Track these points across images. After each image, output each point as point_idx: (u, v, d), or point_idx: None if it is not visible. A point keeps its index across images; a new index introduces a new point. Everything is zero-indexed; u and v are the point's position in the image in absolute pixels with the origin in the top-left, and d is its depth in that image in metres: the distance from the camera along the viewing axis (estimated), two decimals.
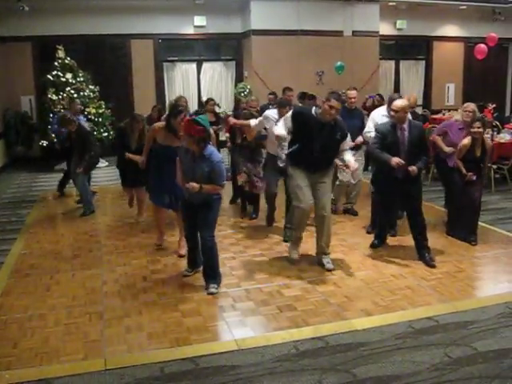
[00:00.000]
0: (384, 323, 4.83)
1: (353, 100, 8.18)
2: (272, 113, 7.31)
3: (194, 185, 5.24)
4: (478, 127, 6.83)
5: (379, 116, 7.29)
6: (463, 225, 7.06)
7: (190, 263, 6.00)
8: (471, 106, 7.33)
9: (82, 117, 9.38)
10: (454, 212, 7.24)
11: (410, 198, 6.41)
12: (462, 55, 18.24)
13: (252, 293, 5.53)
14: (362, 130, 7.68)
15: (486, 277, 6.06)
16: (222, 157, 5.95)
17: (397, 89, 17.46)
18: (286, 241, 7.08)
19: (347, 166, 6.24)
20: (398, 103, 6.21)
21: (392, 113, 6.27)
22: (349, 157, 6.18)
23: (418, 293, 5.49)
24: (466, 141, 6.92)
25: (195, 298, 5.39)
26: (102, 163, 13.01)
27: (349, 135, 6.38)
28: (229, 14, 15.29)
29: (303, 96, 8.97)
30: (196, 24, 15.22)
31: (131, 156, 7.38)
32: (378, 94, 12.21)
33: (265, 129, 7.45)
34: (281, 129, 6.17)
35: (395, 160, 6.07)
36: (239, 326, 4.85)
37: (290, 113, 6.18)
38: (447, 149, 7.25)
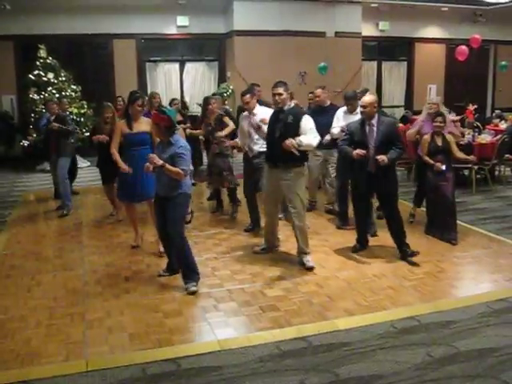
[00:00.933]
0: (366, 323, 4.84)
1: (317, 98, 8.40)
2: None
3: (154, 156, 5.30)
4: (440, 121, 7.12)
5: (341, 113, 7.72)
6: (439, 223, 7.15)
7: (167, 265, 6.00)
8: (436, 99, 8.02)
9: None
10: (430, 210, 7.35)
11: (386, 194, 6.47)
12: (444, 56, 18.39)
13: (234, 293, 5.52)
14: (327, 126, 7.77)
15: (467, 276, 6.11)
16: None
17: (379, 90, 17.60)
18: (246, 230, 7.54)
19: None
20: (366, 99, 6.33)
21: (361, 108, 6.35)
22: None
23: (399, 292, 5.51)
24: (426, 136, 7.31)
25: (177, 299, 5.37)
26: (84, 163, 12.93)
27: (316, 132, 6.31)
28: (212, 14, 15.28)
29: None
30: (179, 24, 15.20)
31: (119, 161, 6.62)
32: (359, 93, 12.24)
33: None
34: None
35: (357, 152, 6.15)
36: (222, 326, 4.84)
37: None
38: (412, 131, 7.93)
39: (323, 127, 7.24)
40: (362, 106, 6.32)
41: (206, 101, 8.29)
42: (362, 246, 6.77)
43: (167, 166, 5.28)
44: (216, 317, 5.00)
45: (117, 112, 8.45)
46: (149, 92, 15.11)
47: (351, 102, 7.58)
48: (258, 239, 7.14)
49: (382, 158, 6.07)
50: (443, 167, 6.98)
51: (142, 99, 6.79)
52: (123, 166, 6.49)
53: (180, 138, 5.59)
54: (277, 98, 6.05)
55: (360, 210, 6.69)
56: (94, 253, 6.84)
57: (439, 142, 7.14)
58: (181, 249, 5.54)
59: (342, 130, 7.15)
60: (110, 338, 4.59)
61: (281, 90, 6.04)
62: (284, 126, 6.01)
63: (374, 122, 6.28)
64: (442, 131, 7.21)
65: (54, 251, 6.95)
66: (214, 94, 10.89)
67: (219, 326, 4.84)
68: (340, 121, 7.60)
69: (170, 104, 10.28)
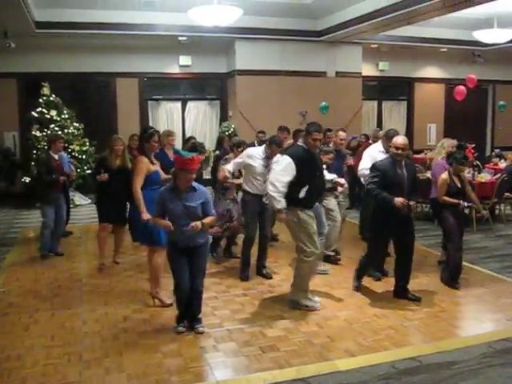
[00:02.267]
0: (367, 364, 4.78)
1: (342, 142, 8.36)
2: (257, 151, 7.16)
3: (198, 223, 5.08)
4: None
5: (377, 152, 7.19)
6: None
7: (183, 316, 5.53)
8: (454, 141, 8.05)
9: (63, 153, 9.05)
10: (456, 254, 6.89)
11: (408, 235, 6.35)
12: (443, 96, 18.57)
13: (234, 333, 5.47)
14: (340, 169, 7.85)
15: (468, 316, 6.07)
16: None
17: (379, 129, 17.73)
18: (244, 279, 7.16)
19: (339, 183, 6.97)
20: (401, 140, 6.16)
21: (395, 150, 6.11)
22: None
23: (400, 333, 5.46)
24: (444, 175, 6.93)
25: (177, 339, 5.32)
26: (85, 200, 12.95)
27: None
28: (214, 53, 15.49)
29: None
30: (181, 63, 15.41)
31: (142, 205, 6.13)
32: (363, 134, 12.37)
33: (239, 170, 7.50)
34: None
35: (400, 200, 5.93)
36: (221, 367, 4.79)
37: (286, 160, 5.89)
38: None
39: (336, 171, 7.42)
40: (400, 148, 6.09)
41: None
42: (360, 282, 6.78)
43: (205, 223, 5.20)
44: (215, 357, 4.95)
45: (133, 151, 8.28)
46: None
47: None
48: (257, 278, 7.12)
49: (413, 204, 6.27)
50: (466, 204, 6.91)
51: (158, 134, 6.65)
52: (145, 214, 5.98)
53: (195, 182, 5.31)
54: (318, 143, 6.14)
55: (380, 247, 6.71)
56: (92, 291, 6.80)
57: (458, 182, 6.92)
58: (200, 294, 5.51)
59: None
60: (107, 379, 4.53)
61: (319, 135, 6.05)
62: (321, 168, 6.34)
63: (403, 163, 6.20)
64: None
65: (52, 289, 6.91)
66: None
67: (218, 366, 4.79)
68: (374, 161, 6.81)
69: (186, 143, 9.84)
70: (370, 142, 8.65)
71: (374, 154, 7.19)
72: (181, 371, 4.67)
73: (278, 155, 6.26)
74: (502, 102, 16.39)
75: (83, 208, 12.06)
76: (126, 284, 7.03)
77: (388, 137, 6.96)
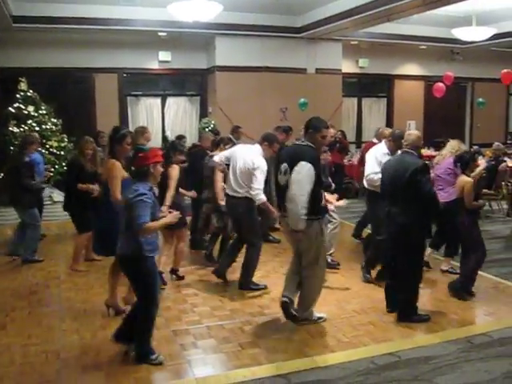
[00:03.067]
0: (346, 359, 4.80)
1: (331, 139, 8.27)
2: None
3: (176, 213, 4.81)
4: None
5: (382, 155, 6.75)
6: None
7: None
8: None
9: (37, 154, 8.71)
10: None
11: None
12: (422, 93, 18.67)
13: (214, 330, 5.46)
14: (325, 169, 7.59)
15: (446, 311, 6.08)
16: None
17: (359, 126, 17.83)
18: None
19: (328, 201, 6.21)
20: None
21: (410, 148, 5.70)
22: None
23: (380, 328, 5.48)
24: (468, 178, 6.35)
25: (156, 336, 5.24)
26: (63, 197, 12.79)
27: None
28: (194, 49, 15.40)
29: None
30: (161, 59, 15.29)
31: None
32: (340, 131, 12.36)
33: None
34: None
35: None
36: (200, 364, 4.78)
37: (307, 167, 5.13)
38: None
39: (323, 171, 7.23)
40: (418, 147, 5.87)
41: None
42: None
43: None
44: (195, 354, 4.93)
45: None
46: (130, 126, 15.22)
47: (399, 142, 6.46)
48: (237, 275, 7.10)
49: None
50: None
51: (132, 136, 6.19)
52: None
53: None
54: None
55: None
56: (71, 289, 6.73)
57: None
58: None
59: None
60: (85, 378, 4.50)
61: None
62: None
63: None
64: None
65: (29, 287, 6.83)
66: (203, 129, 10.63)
67: (197, 363, 4.77)
68: (380, 164, 6.48)
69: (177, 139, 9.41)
70: (375, 141, 8.19)
71: (380, 156, 6.76)
72: (160, 368, 4.64)
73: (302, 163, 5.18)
74: (480, 100, 16.53)
75: (60, 204, 11.90)
76: (105, 281, 6.94)
77: (396, 137, 6.62)
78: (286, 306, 5.45)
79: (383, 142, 7.09)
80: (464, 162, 6.43)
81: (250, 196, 6.33)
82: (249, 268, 6.64)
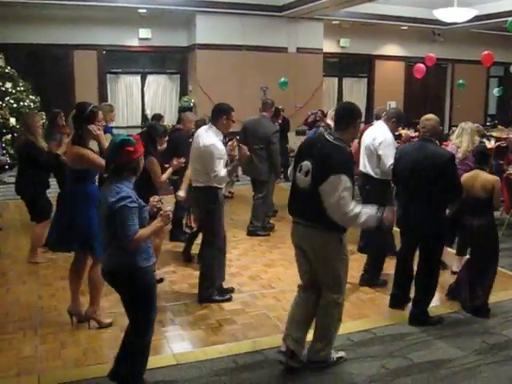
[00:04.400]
0: None
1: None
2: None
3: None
4: None
5: (392, 138, 6.16)
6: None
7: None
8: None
9: None
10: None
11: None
12: (403, 74, 18.75)
13: (191, 307, 5.48)
14: None
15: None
16: None
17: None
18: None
19: None
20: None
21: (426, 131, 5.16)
22: None
23: (356, 306, 5.55)
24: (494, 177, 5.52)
25: None
26: None
27: None
28: (174, 27, 15.28)
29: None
30: (141, 36, 15.15)
31: None
32: (319, 110, 12.38)
33: None
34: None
35: None
36: (178, 340, 4.81)
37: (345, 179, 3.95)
38: None
39: None
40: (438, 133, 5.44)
41: None
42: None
43: None
44: (172, 330, 4.97)
45: (59, 129, 7.29)
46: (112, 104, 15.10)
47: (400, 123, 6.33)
48: None
49: None
50: None
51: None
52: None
53: None
54: None
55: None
56: (49, 266, 6.70)
57: None
58: None
59: None
60: (63, 353, 4.50)
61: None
62: None
63: None
64: None
65: (6, 265, 6.79)
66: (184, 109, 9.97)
67: (175, 339, 4.81)
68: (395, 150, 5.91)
69: (155, 120, 8.97)
70: (374, 123, 6.95)
71: (394, 141, 6.16)
72: None
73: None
74: (460, 81, 16.62)
75: None
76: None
77: (400, 117, 6.26)
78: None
79: (382, 123, 6.30)
80: (485, 157, 5.59)
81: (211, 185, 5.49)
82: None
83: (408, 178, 5.06)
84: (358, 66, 18.77)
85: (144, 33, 15.11)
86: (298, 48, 15.88)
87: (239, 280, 6.25)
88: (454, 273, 6.27)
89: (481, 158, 5.53)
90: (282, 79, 14.51)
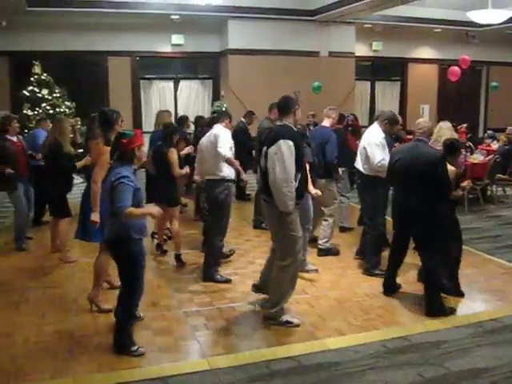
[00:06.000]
0: (357, 343, 4.81)
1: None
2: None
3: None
4: None
5: (383, 139, 6.48)
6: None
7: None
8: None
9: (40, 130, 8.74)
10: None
11: None
12: (437, 77, 18.54)
13: (225, 312, 5.48)
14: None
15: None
16: None
17: (372, 109, 17.70)
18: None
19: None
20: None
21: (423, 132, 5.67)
22: None
23: (391, 312, 5.49)
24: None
25: (167, 317, 5.34)
26: (77, 180, 12.86)
27: None
28: (206, 32, 15.39)
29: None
30: (174, 42, 15.31)
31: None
32: (352, 114, 12.27)
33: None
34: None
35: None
36: (211, 345, 4.82)
37: (289, 143, 4.89)
38: None
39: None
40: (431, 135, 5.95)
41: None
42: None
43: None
44: (206, 335, 4.97)
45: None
46: (143, 109, 15.24)
47: (395, 125, 6.69)
48: (249, 257, 7.12)
49: None
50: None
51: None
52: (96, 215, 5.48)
53: None
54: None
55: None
56: (84, 270, 6.75)
57: None
58: None
59: None
60: (97, 356, 4.53)
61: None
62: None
63: None
64: None
65: (44, 268, 6.89)
66: (214, 112, 10.33)
67: (209, 344, 4.82)
68: (385, 149, 6.44)
69: (181, 122, 9.38)
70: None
71: (383, 141, 6.47)
72: (171, 349, 4.69)
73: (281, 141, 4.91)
74: (494, 83, 16.36)
75: (75, 187, 11.96)
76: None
77: (392, 120, 6.58)
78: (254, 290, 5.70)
79: (376, 125, 6.66)
80: (453, 150, 5.90)
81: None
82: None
83: (403, 175, 5.56)
84: (391, 69, 18.62)
85: (177, 39, 15.26)
86: (329, 52, 15.84)
87: None
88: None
89: (449, 150, 5.86)
90: (316, 83, 14.48)
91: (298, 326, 5.12)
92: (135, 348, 4.58)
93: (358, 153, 6.78)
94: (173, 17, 14.36)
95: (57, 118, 7.46)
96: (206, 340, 4.88)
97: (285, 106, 5.23)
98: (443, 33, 17.44)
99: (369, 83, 18.13)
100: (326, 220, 7.33)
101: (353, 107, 15.80)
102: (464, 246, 7.41)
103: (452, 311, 5.50)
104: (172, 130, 7.06)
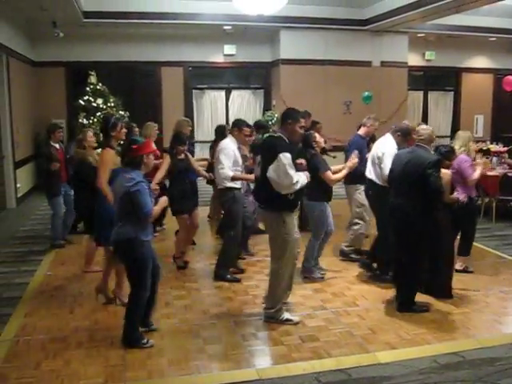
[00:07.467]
0: (408, 357, 4.74)
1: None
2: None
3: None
4: None
5: (393, 150, 6.48)
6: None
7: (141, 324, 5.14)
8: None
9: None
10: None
11: None
12: (491, 87, 18.13)
13: (275, 322, 5.48)
14: None
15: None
16: None
17: (425, 120, 17.42)
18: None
19: None
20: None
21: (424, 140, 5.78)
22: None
23: (443, 327, 5.39)
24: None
25: (217, 326, 5.37)
26: None
27: None
28: (258, 43, 15.47)
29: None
30: (226, 52, 15.44)
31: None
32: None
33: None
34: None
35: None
36: (261, 355, 4.83)
37: (285, 154, 5.09)
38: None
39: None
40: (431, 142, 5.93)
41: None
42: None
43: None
44: (255, 345, 4.98)
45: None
46: (195, 118, 15.41)
47: (408, 137, 6.48)
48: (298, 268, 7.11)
49: None
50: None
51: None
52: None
53: None
54: (303, 130, 5.64)
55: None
56: None
57: None
58: None
59: None
60: (148, 363, 4.60)
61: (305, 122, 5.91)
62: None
63: None
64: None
65: (97, 274, 7.00)
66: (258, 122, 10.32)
67: (258, 354, 4.83)
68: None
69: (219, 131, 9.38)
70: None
71: (393, 151, 6.43)
72: (221, 357, 4.71)
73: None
74: (366, 93, 15.23)
75: None
76: (171, 270, 7.06)
77: (405, 132, 6.51)
78: None
79: (389, 136, 6.73)
80: (447, 153, 6.26)
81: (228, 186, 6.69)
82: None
83: (398, 178, 5.77)
84: (444, 79, 18.30)
85: (229, 49, 15.39)
86: (382, 62, 15.69)
87: (322, 296, 6.20)
88: (456, 271, 6.67)
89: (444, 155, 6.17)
90: (366, 93, 14.35)
91: (297, 323, 5.40)
92: (145, 341, 4.90)
93: (370, 162, 6.94)
94: (225, 27, 14.51)
95: (80, 132, 7.76)
96: (255, 350, 4.89)
97: (282, 118, 5.59)
98: (498, 42, 17.07)
99: (422, 93, 17.86)
100: (356, 224, 7.57)
101: (405, 117, 15.57)
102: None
103: (425, 310, 5.75)
104: (172, 140, 7.19)
